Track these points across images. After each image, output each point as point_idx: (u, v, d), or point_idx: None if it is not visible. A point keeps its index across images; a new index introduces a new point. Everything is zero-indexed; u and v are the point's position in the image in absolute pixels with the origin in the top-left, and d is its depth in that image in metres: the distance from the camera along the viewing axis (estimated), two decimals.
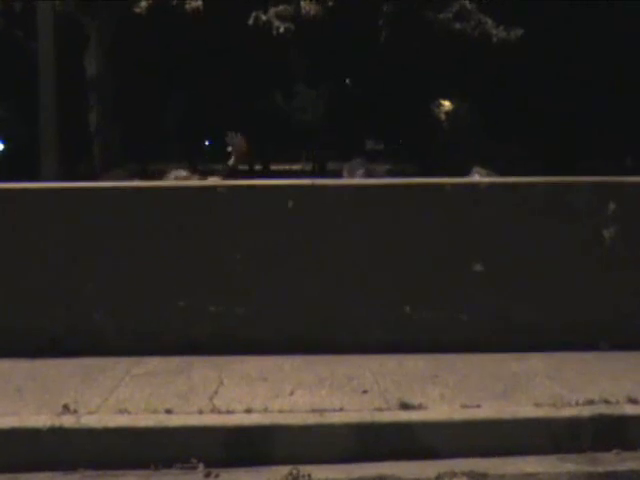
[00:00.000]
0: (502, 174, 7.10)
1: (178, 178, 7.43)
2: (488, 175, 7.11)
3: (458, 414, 4.87)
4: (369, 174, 7.19)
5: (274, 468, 4.63)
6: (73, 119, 11.06)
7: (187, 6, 12.30)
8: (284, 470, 4.58)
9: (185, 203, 6.19)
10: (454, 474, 4.56)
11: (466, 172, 7.29)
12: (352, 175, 7.29)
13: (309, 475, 4.53)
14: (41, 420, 4.77)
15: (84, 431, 4.71)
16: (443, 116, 9.52)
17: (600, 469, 4.63)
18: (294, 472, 4.54)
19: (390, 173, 8.40)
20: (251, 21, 12.12)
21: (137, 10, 12.34)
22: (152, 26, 12.57)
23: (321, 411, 4.88)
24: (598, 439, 4.80)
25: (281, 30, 12.03)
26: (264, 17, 12.08)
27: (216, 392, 5.26)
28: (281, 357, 5.90)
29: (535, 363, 5.80)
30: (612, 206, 6.20)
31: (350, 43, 11.74)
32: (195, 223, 6.15)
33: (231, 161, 7.56)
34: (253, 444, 4.73)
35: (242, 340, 6.10)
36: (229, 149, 7.56)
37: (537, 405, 4.96)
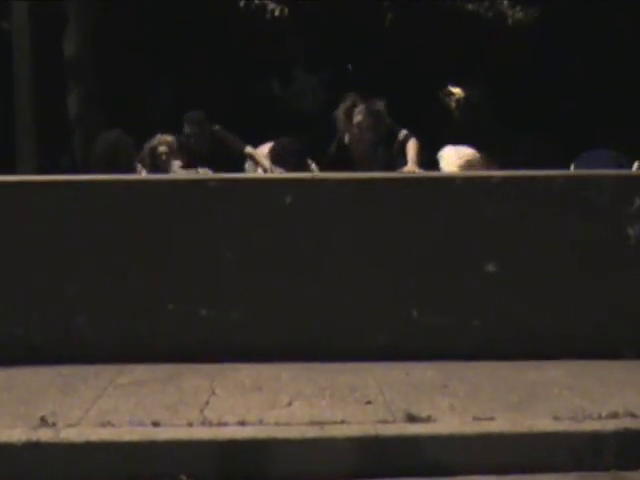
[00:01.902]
0: (519, 165, 7.09)
1: (161, 143, 7.51)
2: None
3: (469, 427, 4.87)
4: None
5: None
6: (52, 106, 11.05)
7: None
8: None
9: (174, 198, 6.19)
10: None
11: None
12: None
13: None
14: (16, 434, 4.75)
15: (63, 446, 4.70)
16: (454, 104, 9.52)
17: None
18: None
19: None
20: (242, 3, 12.16)
21: None
22: (138, 5, 12.60)
23: (321, 423, 4.88)
24: (623, 456, 4.78)
25: (276, 13, 12.07)
26: (257, 0, 12.14)
27: (207, 403, 5.26)
28: (278, 365, 5.90)
29: (554, 372, 5.80)
30: (638, 202, 6.21)
31: (352, 26, 11.76)
32: (185, 219, 6.15)
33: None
34: (247, 459, 4.73)
35: (236, 347, 6.10)
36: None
37: (556, 418, 4.95)
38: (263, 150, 8.03)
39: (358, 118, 7.09)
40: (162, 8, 12.73)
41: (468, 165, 7.25)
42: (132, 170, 7.15)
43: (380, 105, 7.15)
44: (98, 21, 11.66)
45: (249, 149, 8.01)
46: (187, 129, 8.11)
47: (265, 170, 7.72)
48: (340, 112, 7.23)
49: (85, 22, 11.48)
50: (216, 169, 7.28)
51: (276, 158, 7.41)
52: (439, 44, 10.79)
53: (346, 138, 7.28)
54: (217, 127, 8.15)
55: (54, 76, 11.20)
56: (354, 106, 7.13)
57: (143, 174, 7.37)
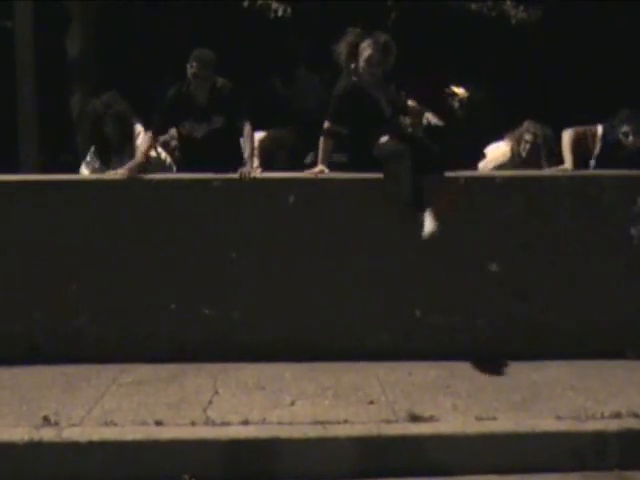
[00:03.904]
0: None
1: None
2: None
3: (472, 427, 4.87)
4: None
5: None
6: (55, 105, 11.05)
7: None
8: None
9: (176, 197, 6.19)
10: None
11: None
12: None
13: None
14: (19, 434, 4.77)
15: (66, 445, 4.71)
16: (457, 104, 9.49)
17: None
18: None
19: None
20: (246, 4, 12.17)
21: None
22: (141, 5, 12.59)
23: (324, 423, 4.88)
24: (626, 456, 4.79)
25: (279, 13, 12.07)
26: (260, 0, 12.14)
27: (210, 402, 5.26)
28: (281, 364, 5.90)
29: (556, 372, 5.80)
30: None
31: (355, 25, 11.73)
32: (187, 219, 6.15)
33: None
34: (250, 459, 4.74)
35: (238, 346, 6.11)
36: None
37: (558, 418, 4.96)
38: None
39: (368, 52, 6.32)
40: (165, 8, 12.71)
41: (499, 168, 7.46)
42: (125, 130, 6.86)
43: (387, 37, 6.43)
44: (101, 20, 11.65)
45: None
46: (193, 69, 6.69)
47: None
48: (342, 47, 6.46)
49: (88, 21, 11.48)
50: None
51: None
52: (443, 43, 10.79)
53: (353, 77, 6.45)
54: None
55: (57, 75, 11.20)
56: (359, 40, 6.39)
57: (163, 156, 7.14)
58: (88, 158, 6.95)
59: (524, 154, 7.56)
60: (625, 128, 6.96)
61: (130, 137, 6.79)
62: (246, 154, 6.54)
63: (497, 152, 7.74)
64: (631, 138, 6.94)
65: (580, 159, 6.90)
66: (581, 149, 6.98)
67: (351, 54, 6.40)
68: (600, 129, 7.07)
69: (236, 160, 6.49)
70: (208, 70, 6.66)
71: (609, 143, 7.02)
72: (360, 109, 6.28)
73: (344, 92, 6.37)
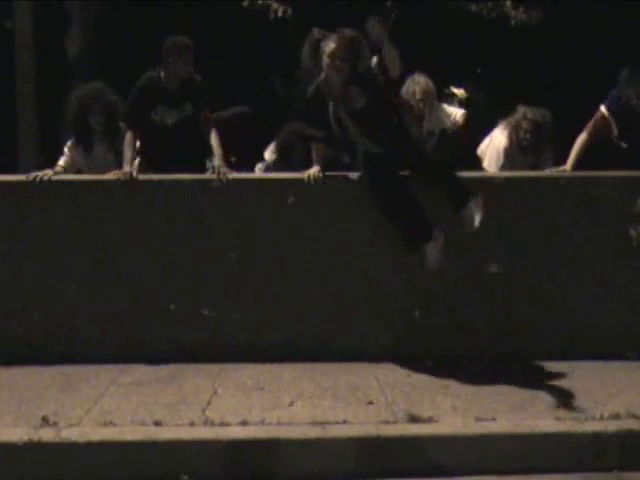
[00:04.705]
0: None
1: None
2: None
3: (471, 428, 4.87)
4: None
5: None
6: (55, 105, 11.07)
7: None
8: None
9: (176, 197, 6.19)
10: None
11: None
12: None
13: None
14: (17, 434, 4.77)
15: (65, 446, 4.71)
16: (456, 105, 9.46)
17: None
18: None
19: None
20: (246, 4, 12.19)
21: None
22: (141, 4, 12.61)
23: (323, 424, 4.88)
24: (625, 457, 4.79)
25: (279, 14, 12.08)
26: (260, 0, 12.16)
27: (209, 403, 5.26)
28: (280, 365, 5.90)
29: (556, 373, 5.80)
30: None
31: (355, 26, 11.74)
32: (187, 219, 6.15)
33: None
34: (249, 459, 4.74)
35: (237, 347, 6.11)
36: None
37: (558, 419, 4.96)
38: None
39: (330, 46, 5.80)
40: (165, 8, 12.73)
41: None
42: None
43: (355, 32, 5.88)
44: (101, 20, 11.66)
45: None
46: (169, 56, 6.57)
47: None
48: (306, 48, 5.91)
49: (88, 21, 11.49)
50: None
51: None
52: (442, 44, 10.79)
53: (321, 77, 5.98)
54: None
55: (57, 75, 11.21)
56: (321, 39, 5.86)
57: None
58: (69, 143, 6.82)
59: (525, 143, 7.21)
60: (629, 91, 6.64)
61: (118, 128, 6.71)
62: (214, 147, 6.48)
63: (494, 148, 7.41)
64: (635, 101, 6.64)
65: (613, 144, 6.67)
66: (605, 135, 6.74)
67: (314, 52, 5.91)
68: (603, 108, 6.81)
69: (206, 149, 6.54)
70: (185, 56, 6.60)
71: (621, 115, 6.75)
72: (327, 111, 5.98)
73: (310, 94, 6.05)
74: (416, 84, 7.36)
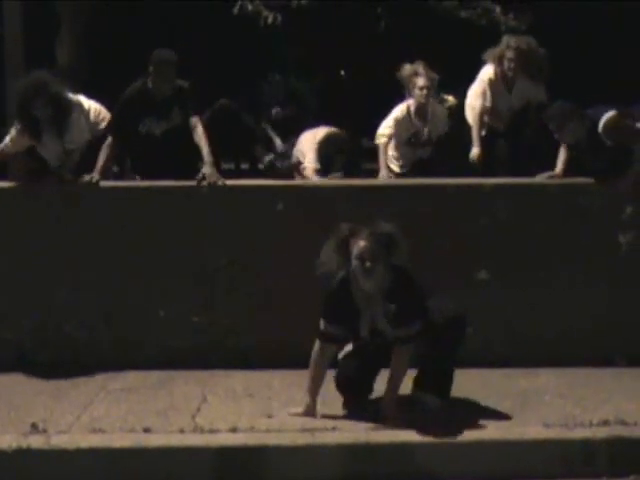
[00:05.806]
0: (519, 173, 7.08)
1: None
2: None
3: (461, 434, 4.88)
4: None
5: None
6: None
7: None
8: None
9: (164, 204, 6.19)
10: None
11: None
12: None
13: None
14: (6, 441, 4.76)
15: (54, 452, 4.70)
16: (447, 111, 9.42)
17: None
18: None
19: None
20: (236, 11, 12.21)
21: None
22: (132, 10, 12.63)
23: (312, 430, 4.88)
24: (614, 464, 4.80)
25: (269, 21, 12.11)
26: (250, 7, 12.18)
27: (199, 409, 5.26)
28: (270, 372, 5.91)
29: (545, 380, 5.82)
30: (629, 209, 6.23)
31: (346, 33, 11.76)
32: (176, 226, 6.15)
33: None
34: (238, 466, 4.74)
35: (227, 353, 6.11)
36: None
37: (547, 425, 4.97)
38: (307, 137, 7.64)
39: (360, 245, 5.02)
40: (156, 13, 12.75)
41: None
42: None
43: (391, 227, 5.08)
44: (92, 24, 11.66)
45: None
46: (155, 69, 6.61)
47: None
48: (332, 244, 5.15)
49: (79, 23, 11.49)
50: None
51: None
52: (433, 51, 10.83)
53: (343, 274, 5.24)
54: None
55: None
56: (351, 235, 5.09)
57: None
58: (13, 132, 6.72)
59: (510, 74, 6.75)
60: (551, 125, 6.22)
61: (65, 115, 6.59)
62: (204, 153, 6.44)
63: (479, 80, 6.98)
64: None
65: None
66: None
67: (341, 251, 5.12)
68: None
69: (195, 158, 6.49)
70: (169, 70, 6.66)
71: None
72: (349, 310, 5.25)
73: (332, 290, 5.30)
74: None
